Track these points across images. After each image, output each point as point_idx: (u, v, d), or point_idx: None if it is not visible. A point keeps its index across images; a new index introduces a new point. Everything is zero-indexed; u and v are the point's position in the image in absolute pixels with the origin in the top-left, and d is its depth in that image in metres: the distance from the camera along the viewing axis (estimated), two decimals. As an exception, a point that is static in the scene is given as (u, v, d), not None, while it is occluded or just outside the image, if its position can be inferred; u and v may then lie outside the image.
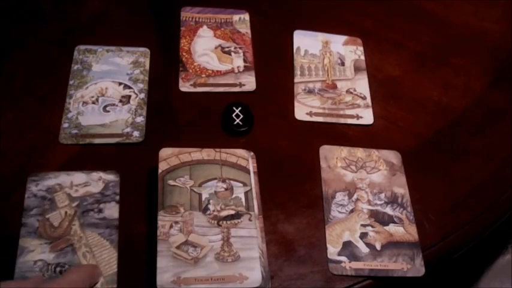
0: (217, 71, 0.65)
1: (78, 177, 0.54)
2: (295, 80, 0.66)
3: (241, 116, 0.61)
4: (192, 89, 0.63)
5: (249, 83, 0.64)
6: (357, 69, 0.67)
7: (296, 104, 0.63)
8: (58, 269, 0.48)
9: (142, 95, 0.61)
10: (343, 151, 0.60)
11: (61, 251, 0.49)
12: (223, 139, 0.59)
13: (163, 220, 0.51)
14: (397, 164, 0.59)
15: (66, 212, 0.52)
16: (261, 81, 0.65)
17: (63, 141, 0.57)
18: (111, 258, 0.49)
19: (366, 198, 0.56)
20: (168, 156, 0.55)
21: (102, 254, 0.50)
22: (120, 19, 0.69)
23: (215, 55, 0.67)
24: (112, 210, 0.52)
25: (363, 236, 0.53)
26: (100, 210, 0.52)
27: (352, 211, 0.55)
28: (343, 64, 0.68)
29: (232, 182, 0.55)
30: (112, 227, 0.51)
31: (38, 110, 0.59)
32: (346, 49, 0.69)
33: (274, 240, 0.53)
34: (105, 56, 0.64)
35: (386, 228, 0.54)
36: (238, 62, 0.66)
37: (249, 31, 0.70)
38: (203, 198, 0.53)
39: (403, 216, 0.55)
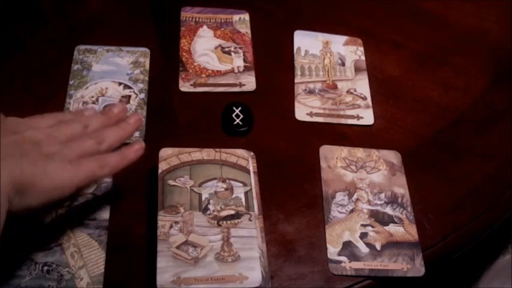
0: (217, 71, 0.65)
1: None
2: (296, 80, 0.65)
3: (241, 116, 0.61)
4: (192, 89, 0.63)
5: (249, 83, 0.64)
6: (357, 70, 0.67)
7: (296, 104, 0.63)
8: (45, 268, 0.48)
9: (142, 95, 0.61)
10: (343, 151, 0.60)
11: (49, 250, 0.49)
12: (223, 139, 0.59)
13: (163, 220, 0.51)
14: (397, 164, 0.59)
15: (57, 212, 0.51)
16: (261, 81, 0.65)
17: (63, 141, 0.57)
18: (99, 259, 0.49)
19: (366, 198, 0.56)
20: (168, 156, 0.55)
21: (91, 255, 0.49)
22: (120, 19, 0.69)
23: (215, 55, 0.66)
24: (103, 211, 0.52)
25: (363, 236, 0.53)
26: (91, 211, 0.52)
27: (352, 211, 0.55)
28: (343, 64, 0.68)
29: (232, 182, 0.55)
30: (102, 227, 0.51)
31: (38, 110, 0.59)
32: (346, 49, 0.69)
33: (274, 240, 0.52)
34: (105, 56, 0.64)
35: (386, 228, 0.54)
36: (238, 62, 0.66)
37: (249, 31, 0.70)
38: (203, 198, 0.53)
39: (403, 216, 0.55)
